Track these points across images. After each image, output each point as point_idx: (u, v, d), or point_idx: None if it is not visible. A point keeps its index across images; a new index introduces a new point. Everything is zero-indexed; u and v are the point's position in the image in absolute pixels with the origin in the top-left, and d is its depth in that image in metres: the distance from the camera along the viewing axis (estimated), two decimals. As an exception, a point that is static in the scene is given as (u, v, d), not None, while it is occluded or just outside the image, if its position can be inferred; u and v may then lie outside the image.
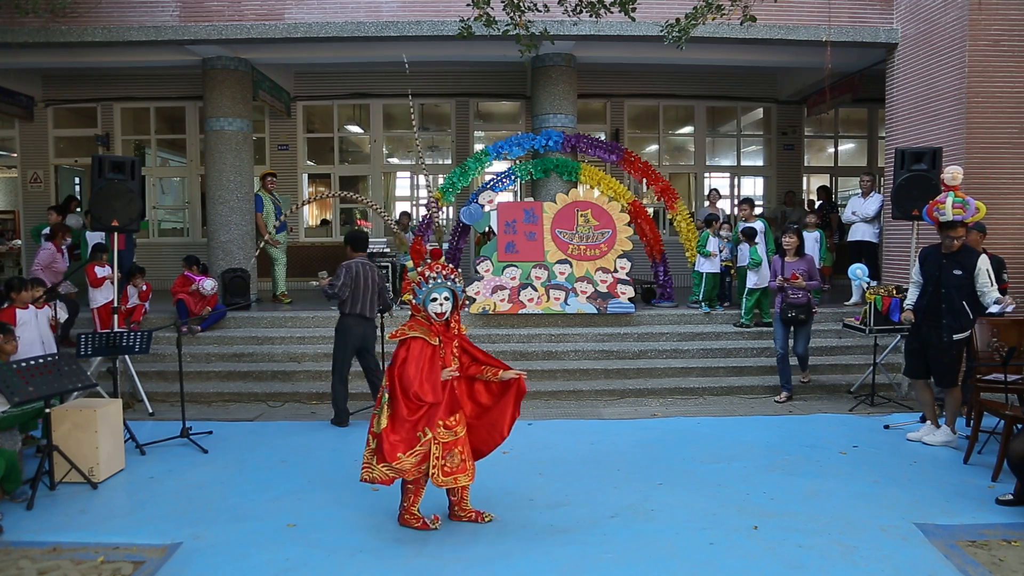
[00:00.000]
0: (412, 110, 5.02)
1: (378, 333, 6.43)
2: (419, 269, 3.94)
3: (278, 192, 9.93)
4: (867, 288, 6.96)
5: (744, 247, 8.53)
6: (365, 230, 6.03)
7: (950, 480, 4.71)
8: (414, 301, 3.90)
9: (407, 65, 5.78)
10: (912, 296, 5.64)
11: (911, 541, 3.81)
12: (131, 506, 4.39)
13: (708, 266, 8.45)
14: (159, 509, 4.29)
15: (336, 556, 3.68)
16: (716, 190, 10.08)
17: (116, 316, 6.53)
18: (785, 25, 8.18)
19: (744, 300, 8.17)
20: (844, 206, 12.75)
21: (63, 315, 6.92)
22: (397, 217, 10.28)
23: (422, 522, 4.00)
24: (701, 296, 8.48)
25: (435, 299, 3.83)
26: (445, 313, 3.86)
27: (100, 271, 7.36)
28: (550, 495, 4.46)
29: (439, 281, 3.84)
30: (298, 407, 6.80)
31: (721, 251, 8.50)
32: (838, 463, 5.07)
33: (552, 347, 7.82)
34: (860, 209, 8.90)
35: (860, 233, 8.93)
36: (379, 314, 6.37)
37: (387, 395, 3.84)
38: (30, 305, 5.96)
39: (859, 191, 9.12)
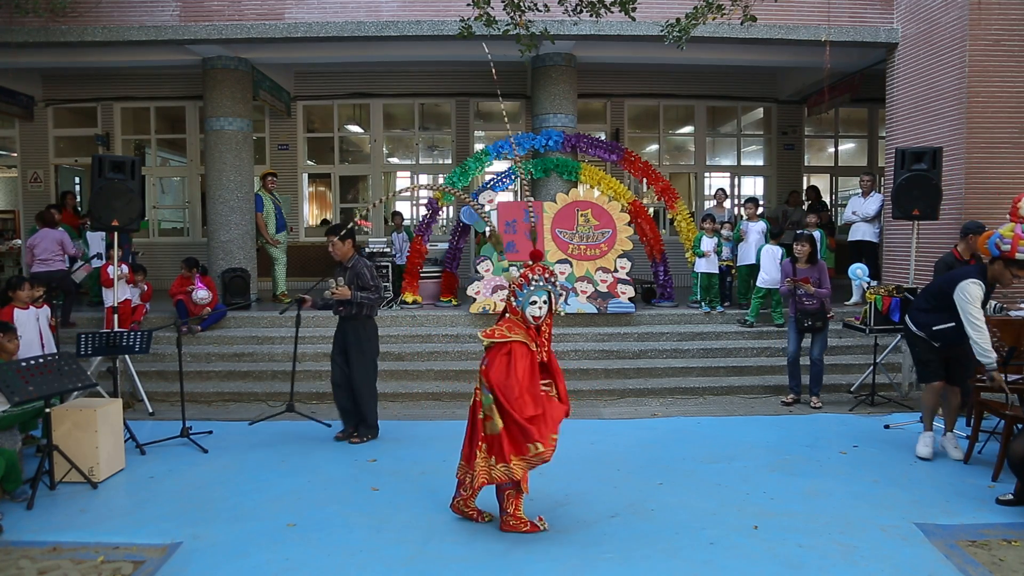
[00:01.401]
0: (504, 111, 5.07)
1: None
2: (522, 271, 3.83)
3: (278, 192, 9.93)
4: (867, 288, 6.95)
5: (743, 245, 8.54)
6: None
7: (950, 480, 4.71)
8: (514, 303, 3.79)
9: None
10: (987, 342, 4.66)
11: (911, 541, 3.81)
12: (131, 506, 4.39)
13: (704, 265, 8.44)
14: (159, 509, 4.29)
15: (336, 556, 3.68)
16: (723, 189, 10.04)
17: (116, 316, 6.53)
18: (785, 25, 8.18)
19: (753, 300, 8.14)
20: (843, 206, 12.81)
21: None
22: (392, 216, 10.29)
23: (530, 525, 3.91)
24: (698, 296, 8.48)
25: (534, 302, 3.74)
26: (542, 317, 3.78)
27: (113, 271, 7.34)
28: (550, 495, 4.45)
29: (540, 284, 3.75)
30: (298, 407, 6.77)
31: (720, 252, 8.47)
32: (838, 463, 5.06)
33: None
34: (860, 209, 8.89)
35: (860, 233, 8.93)
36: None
37: (491, 396, 3.68)
38: (30, 305, 5.95)
39: (859, 191, 9.11)
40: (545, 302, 3.77)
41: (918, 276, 7.26)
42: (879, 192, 9.00)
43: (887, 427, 5.93)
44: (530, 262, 3.88)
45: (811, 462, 5.07)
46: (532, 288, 3.74)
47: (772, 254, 7.79)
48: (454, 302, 8.82)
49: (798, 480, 4.69)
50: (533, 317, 3.75)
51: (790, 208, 11.02)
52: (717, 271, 8.44)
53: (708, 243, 8.43)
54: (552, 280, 3.81)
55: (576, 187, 8.77)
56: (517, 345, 3.70)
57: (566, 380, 7.14)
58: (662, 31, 6.25)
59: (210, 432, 5.78)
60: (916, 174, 6.72)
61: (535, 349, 3.76)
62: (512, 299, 3.80)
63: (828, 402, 6.74)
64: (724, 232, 8.66)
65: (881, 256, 8.75)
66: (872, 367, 6.81)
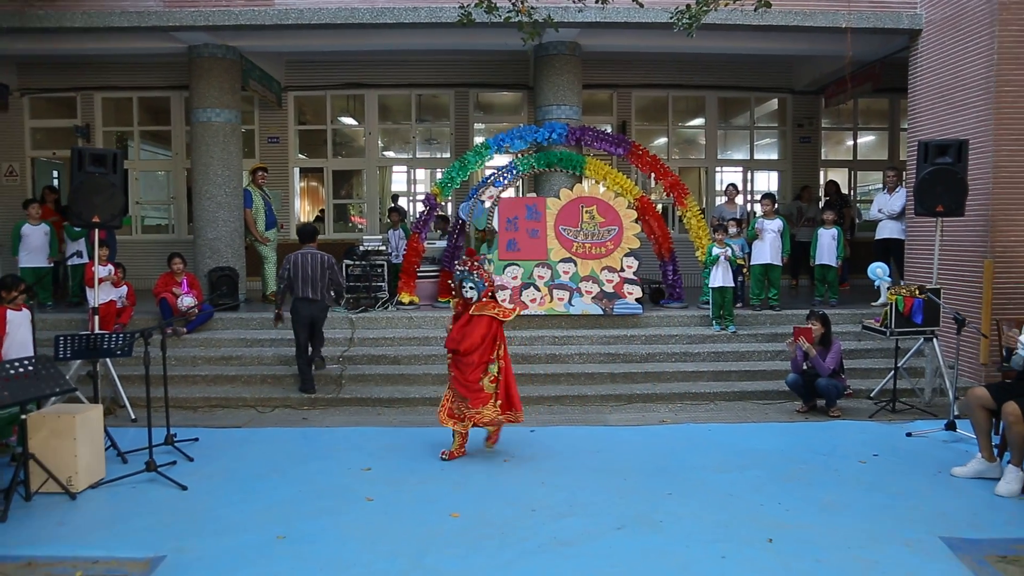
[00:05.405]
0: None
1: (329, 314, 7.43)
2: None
3: (268, 187, 9.92)
4: (888, 288, 6.92)
5: (757, 243, 8.49)
6: (313, 224, 7.29)
7: (978, 491, 4.68)
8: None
9: None
10: None
11: (937, 556, 3.78)
12: (112, 518, 4.37)
13: (719, 279, 8.04)
14: (141, 521, 4.26)
15: (328, 570, 3.66)
16: (734, 185, 10.00)
17: (97, 318, 6.51)
18: (801, 11, 8.15)
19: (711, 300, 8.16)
20: (862, 202, 12.78)
21: None
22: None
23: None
24: (711, 314, 8.28)
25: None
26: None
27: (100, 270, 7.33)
28: (553, 505, 4.44)
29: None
30: (289, 413, 6.78)
31: (732, 261, 8.22)
32: (858, 473, 5.04)
33: (556, 350, 7.81)
34: (886, 206, 8.81)
35: (887, 231, 8.82)
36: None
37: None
38: (23, 307, 5.96)
39: (883, 186, 9.04)
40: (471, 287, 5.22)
41: (942, 275, 7.23)
42: (905, 187, 8.95)
43: (909, 435, 5.90)
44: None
45: (829, 472, 5.05)
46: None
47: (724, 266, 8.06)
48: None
49: (815, 491, 4.67)
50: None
51: (805, 204, 10.99)
52: (732, 285, 8.17)
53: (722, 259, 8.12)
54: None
55: (581, 182, 8.76)
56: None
57: (570, 384, 7.25)
58: (671, 18, 6.22)
59: (196, 439, 5.76)
60: (940, 168, 6.68)
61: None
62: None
63: (846, 409, 6.71)
64: (732, 230, 8.60)
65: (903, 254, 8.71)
66: (893, 371, 6.78)
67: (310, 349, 7.20)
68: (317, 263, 6.97)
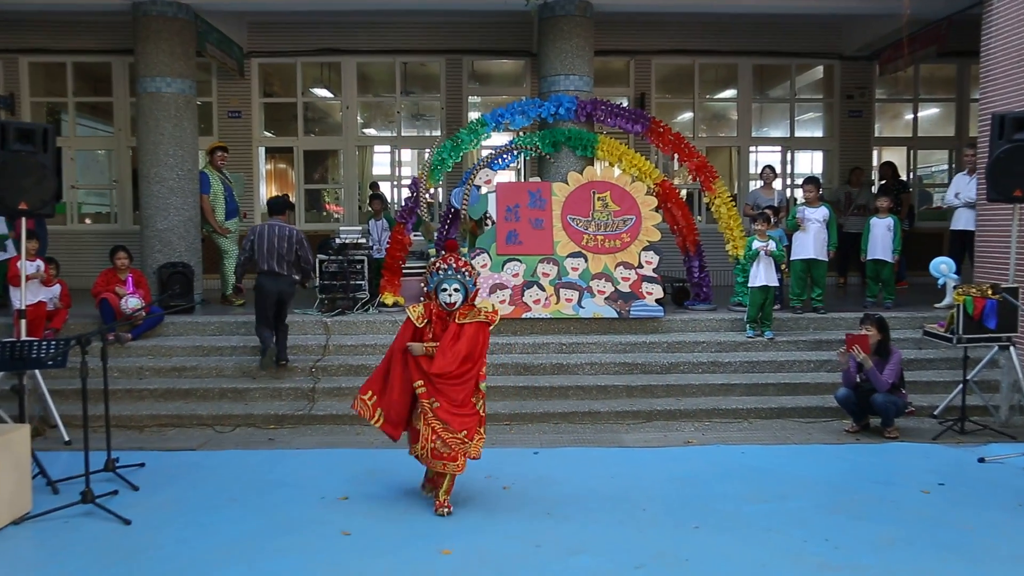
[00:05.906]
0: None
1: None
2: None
3: (228, 170, 9.89)
4: (955, 287, 6.86)
5: (799, 235, 8.43)
6: (284, 195, 8.35)
7: (1063, 526, 4.64)
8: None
9: None
10: None
11: (1014, 603, 3.74)
12: (40, 558, 4.34)
13: (762, 277, 7.90)
14: (76, 561, 4.22)
15: (294, 620, 3.62)
16: (771, 167, 9.97)
17: (24, 322, 6.46)
18: (851, -38, 8.12)
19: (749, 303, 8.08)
20: (925, 186, 12.72)
21: None
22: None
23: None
24: (747, 316, 8.22)
25: (444, 289, 4.94)
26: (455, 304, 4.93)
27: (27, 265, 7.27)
28: (561, 540, 4.43)
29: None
30: (252, 432, 6.77)
31: (777, 254, 8.11)
32: (920, 504, 5.01)
33: (563, 359, 7.80)
34: (964, 190, 8.73)
35: (964, 220, 8.75)
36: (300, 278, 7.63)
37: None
38: None
39: (953, 167, 8.96)
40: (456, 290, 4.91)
41: (1021, 272, 7.15)
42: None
43: (982, 460, 5.85)
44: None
45: (885, 503, 5.03)
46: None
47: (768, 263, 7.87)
48: (443, 304, 8.77)
49: (868, 525, 4.65)
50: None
51: (854, 190, 10.96)
52: (776, 283, 8.05)
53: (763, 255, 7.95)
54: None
55: (592, 164, 8.74)
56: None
57: (580, 399, 7.21)
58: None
59: (142, 464, 5.74)
60: (1019, 145, 6.61)
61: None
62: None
63: (905, 429, 6.68)
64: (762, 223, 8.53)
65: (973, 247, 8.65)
66: (961, 386, 6.73)
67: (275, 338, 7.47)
68: (284, 236, 7.28)
